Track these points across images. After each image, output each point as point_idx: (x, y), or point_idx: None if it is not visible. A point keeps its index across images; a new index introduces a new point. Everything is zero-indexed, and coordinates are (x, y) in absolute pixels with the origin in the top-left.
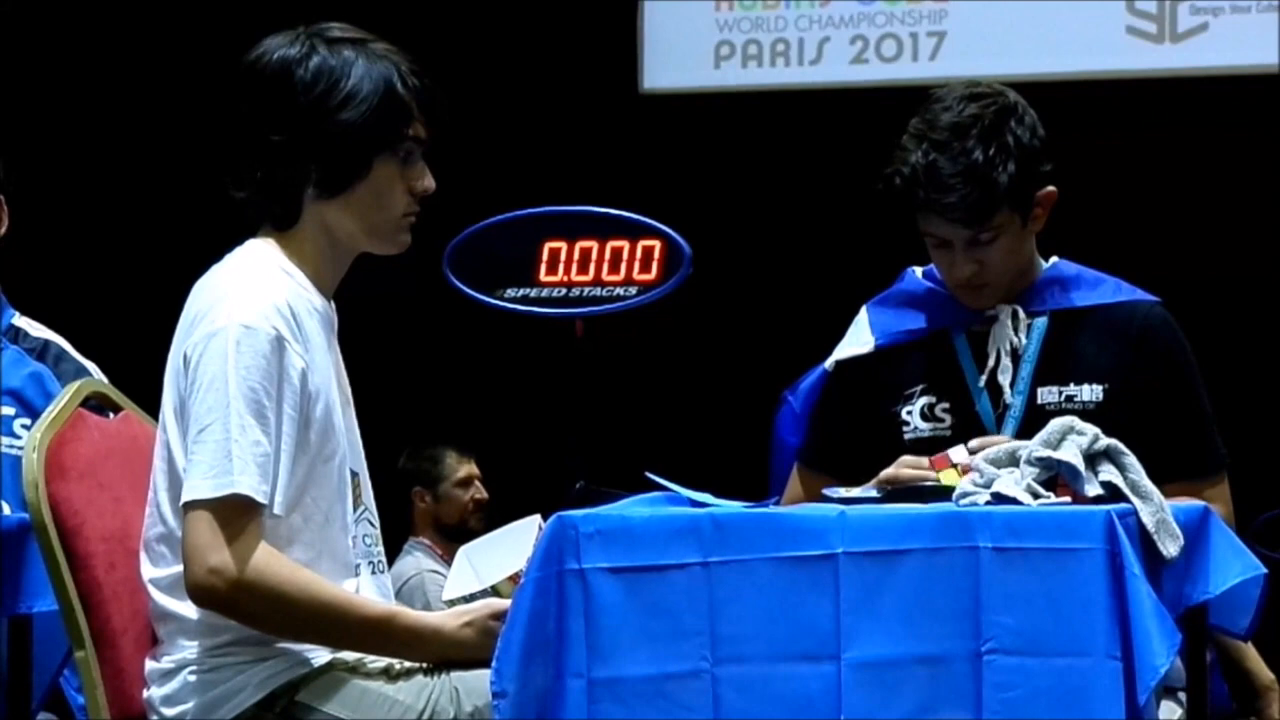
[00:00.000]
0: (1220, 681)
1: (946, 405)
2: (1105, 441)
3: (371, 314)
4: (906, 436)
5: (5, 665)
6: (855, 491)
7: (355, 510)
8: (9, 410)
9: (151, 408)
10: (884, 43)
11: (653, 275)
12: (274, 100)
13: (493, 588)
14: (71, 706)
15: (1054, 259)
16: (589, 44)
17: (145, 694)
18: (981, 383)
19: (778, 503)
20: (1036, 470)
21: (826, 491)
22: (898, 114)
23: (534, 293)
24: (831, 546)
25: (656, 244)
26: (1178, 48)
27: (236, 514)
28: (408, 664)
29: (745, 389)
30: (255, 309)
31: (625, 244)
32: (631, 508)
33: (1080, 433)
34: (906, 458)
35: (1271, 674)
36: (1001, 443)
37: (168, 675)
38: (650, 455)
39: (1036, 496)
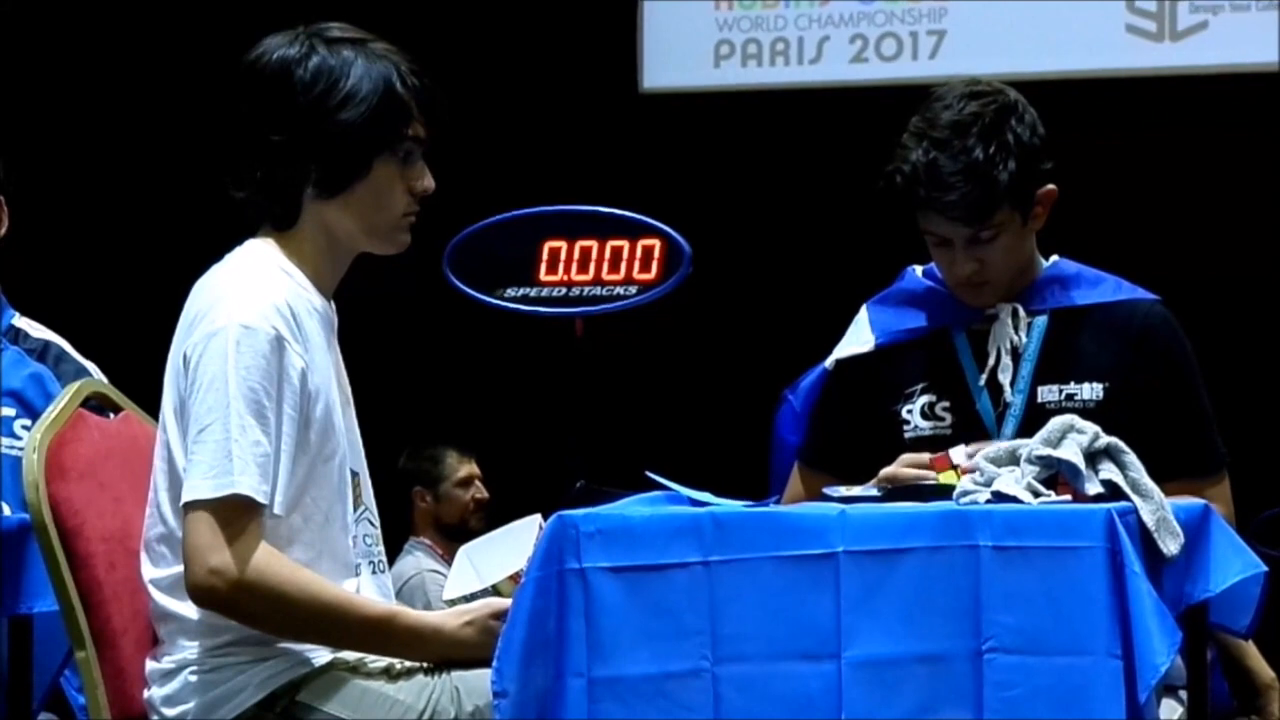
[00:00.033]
0: (1221, 680)
1: (947, 404)
2: (1105, 440)
3: (372, 314)
4: (907, 435)
5: (6, 665)
6: (855, 490)
7: (355, 510)
8: (9, 411)
9: (152, 408)
10: (884, 42)
11: (653, 275)
12: (273, 100)
13: (493, 587)
14: (72, 707)
15: (1054, 257)
16: (589, 43)
17: (146, 694)
18: (982, 381)
19: (778, 502)
20: (1037, 469)
21: (827, 490)
22: (897, 113)
23: (534, 292)
24: (832, 545)
25: (656, 243)
26: (1177, 46)
27: (237, 514)
28: (408, 664)
29: (745, 388)
30: (255, 309)
31: (625, 243)
32: (632, 507)
33: (1080, 431)
34: (907, 456)
35: (1272, 672)
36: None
37: (168, 675)
38: (650, 454)
39: (1037, 495)
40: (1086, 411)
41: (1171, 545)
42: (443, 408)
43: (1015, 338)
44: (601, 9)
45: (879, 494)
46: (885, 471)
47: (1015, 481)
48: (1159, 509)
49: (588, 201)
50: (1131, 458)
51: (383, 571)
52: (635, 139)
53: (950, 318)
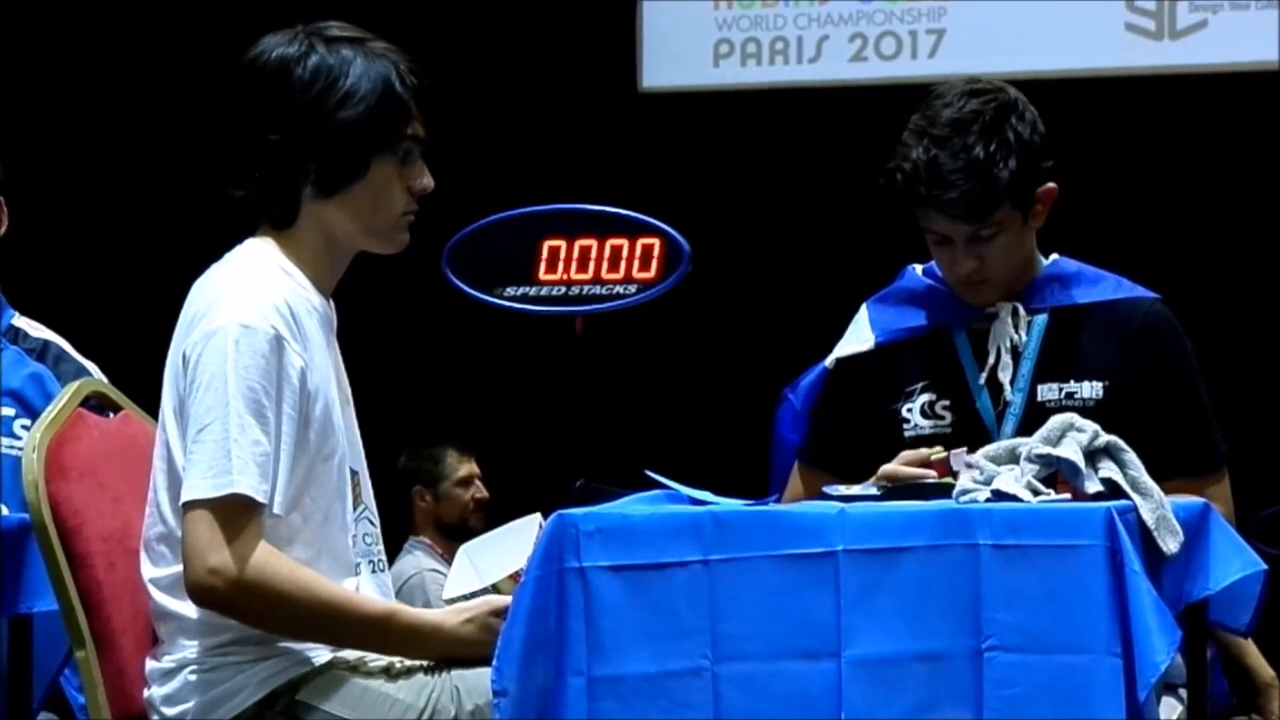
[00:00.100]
0: (1220, 678)
1: (947, 403)
2: (1105, 438)
3: (371, 313)
4: (907, 434)
5: (6, 665)
6: (855, 489)
7: (355, 509)
8: (9, 411)
9: (151, 407)
10: (883, 40)
11: (652, 273)
12: (272, 99)
13: (493, 586)
14: (72, 706)
15: (1054, 256)
16: (588, 43)
17: (146, 693)
18: (982, 380)
19: (778, 500)
20: (1036, 467)
21: (826, 489)
22: (897, 112)
23: (533, 291)
24: (832, 544)
25: (656, 242)
26: (1177, 45)
27: (236, 513)
28: (408, 663)
29: (745, 387)
30: (254, 308)
31: (624, 242)
32: (631, 506)
33: (1080, 429)
34: (906, 454)
35: (1272, 671)
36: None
37: (168, 675)
38: (650, 453)
39: (1036, 493)
40: (1086, 410)
41: (1171, 544)
42: (442, 407)
43: (1015, 336)
44: (601, 8)
45: (878, 493)
46: (885, 469)
47: (1015, 480)
48: (1159, 507)
49: (587, 200)
50: (1131, 456)
51: (382, 571)
52: (634, 138)
53: (950, 316)
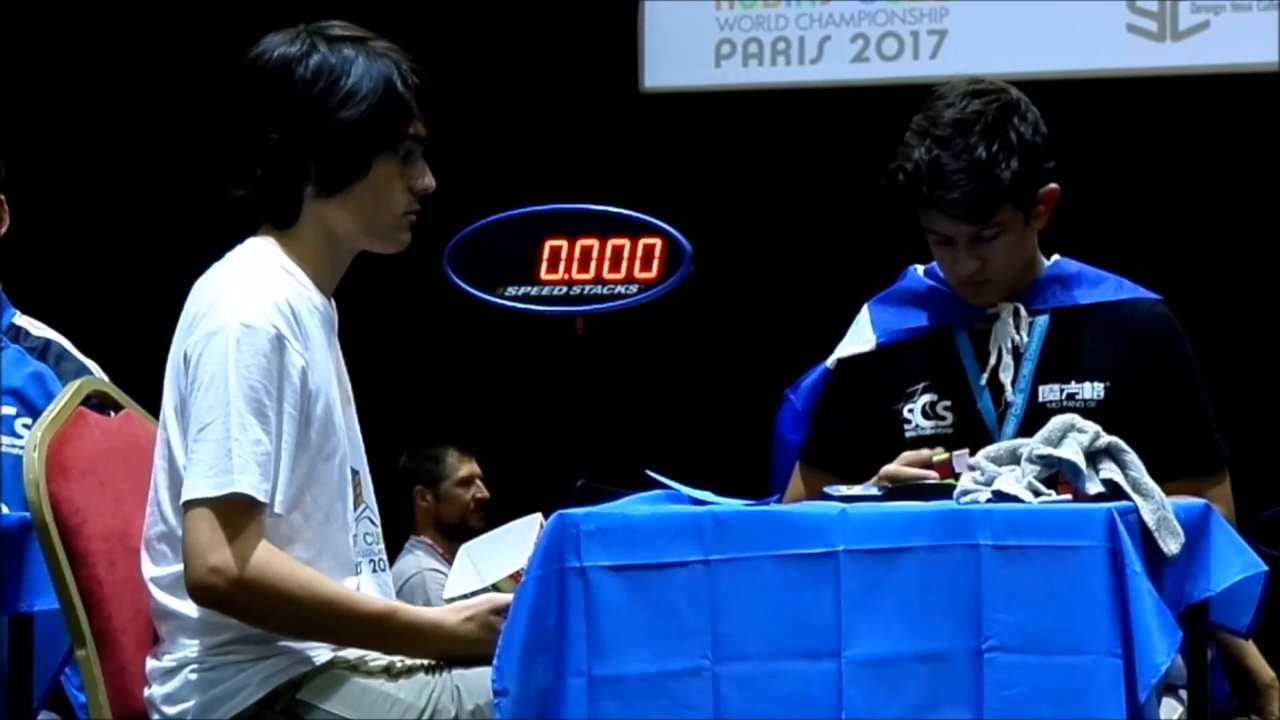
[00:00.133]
0: (1221, 679)
1: (948, 403)
2: (1106, 439)
3: (372, 312)
4: (908, 434)
5: (6, 664)
6: (856, 489)
7: (356, 509)
8: (10, 410)
9: (152, 406)
10: (885, 41)
11: (654, 273)
12: (274, 98)
13: (494, 586)
14: (73, 705)
15: (1056, 257)
16: (590, 43)
17: (146, 692)
18: (983, 381)
19: (779, 501)
20: (1037, 468)
21: (827, 489)
22: (898, 113)
23: (535, 291)
24: (832, 544)
25: (657, 242)
26: (1178, 46)
27: (237, 513)
28: (409, 662)
29: (746, 387)
30: (255, 308)
31: (626, 242)
32: (632, 506)
33: (1081, 430)
34: (907, 454)
35: (1272, 672)
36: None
37: (169, 674)
38: (651, 453)
39: (1037, 494)
40: (1087, 411)
41: (1172, 544)
42: (443, 407)
43: (1016, 337)
44: (602, 8)
45: (879, 493)
46: (886, 470)
47: (1016, 480)
48: (1159, 508)
49: (589, 200)
50: (1132, 457)
51: (383, 570)
52: (636, 138)
53: (952, 317)
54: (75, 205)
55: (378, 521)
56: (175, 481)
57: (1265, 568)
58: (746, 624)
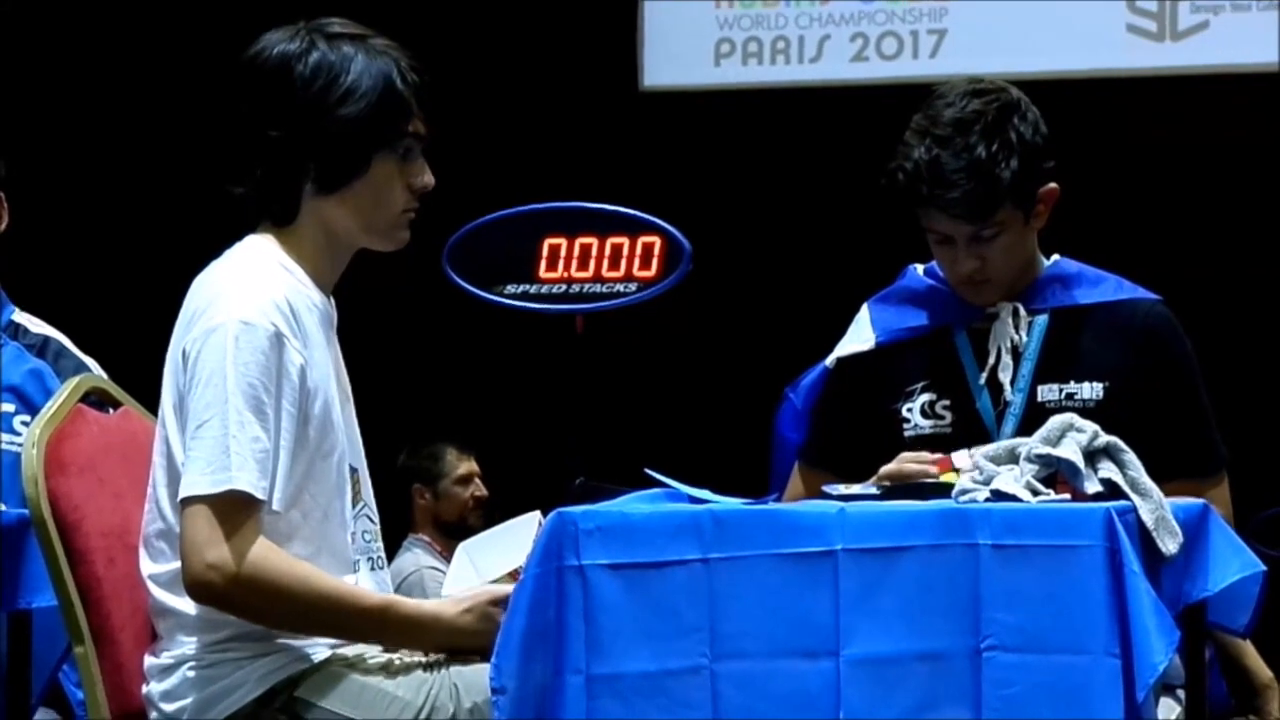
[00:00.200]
0: (1219, 679)
1: (947, 403)
2: (1105, 439)
3: (371, 310)
4: (907, 434)
5: (5, 661)
6: (855, 488)
7: (354, 506)
8: (9, 407)
9: (151, 403)
10: (884, 40)
11: (653, 272)
12: (273, 96)
13: (492, 584)
14: (71, 702)
15: (1055, 257)
16: (589, 41)
17: (144, 689)
18: (982, 380)
19: (778, 499)
20: (1036, 467)
21: (826, 488)
22: (898, 112)
23: (534, 289)
24: (831, 543)
25: (656, 240)
26: (1178, 46)
27: (234, 510)
28: (407, 659)
29: (746, 386)
30: (254, 305)
31: (625, 240)
32: (631, 504)
33: (1080, 430)
34: (906, 454)
35: (1270, 672)
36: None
37: (167, 671)
38: (650, 452)
39: (1036, 494)
40: (1086, 411)
41: (1170, 544)
42: (442, 405)
43: (1016, 336)
44: (602, 7)
45: (878, 492)
46: (885, 469)
47: (1014, 480)
48: (1158, 508)
49: (588, 199)
50: (1131, 457)
51: (381, 568)
52: (635, 137)
53: (951, 316)
54: (75, 203)
55: (376, 519)
56: (174, 478)
57: (1263, 568)
58: (745, 623)
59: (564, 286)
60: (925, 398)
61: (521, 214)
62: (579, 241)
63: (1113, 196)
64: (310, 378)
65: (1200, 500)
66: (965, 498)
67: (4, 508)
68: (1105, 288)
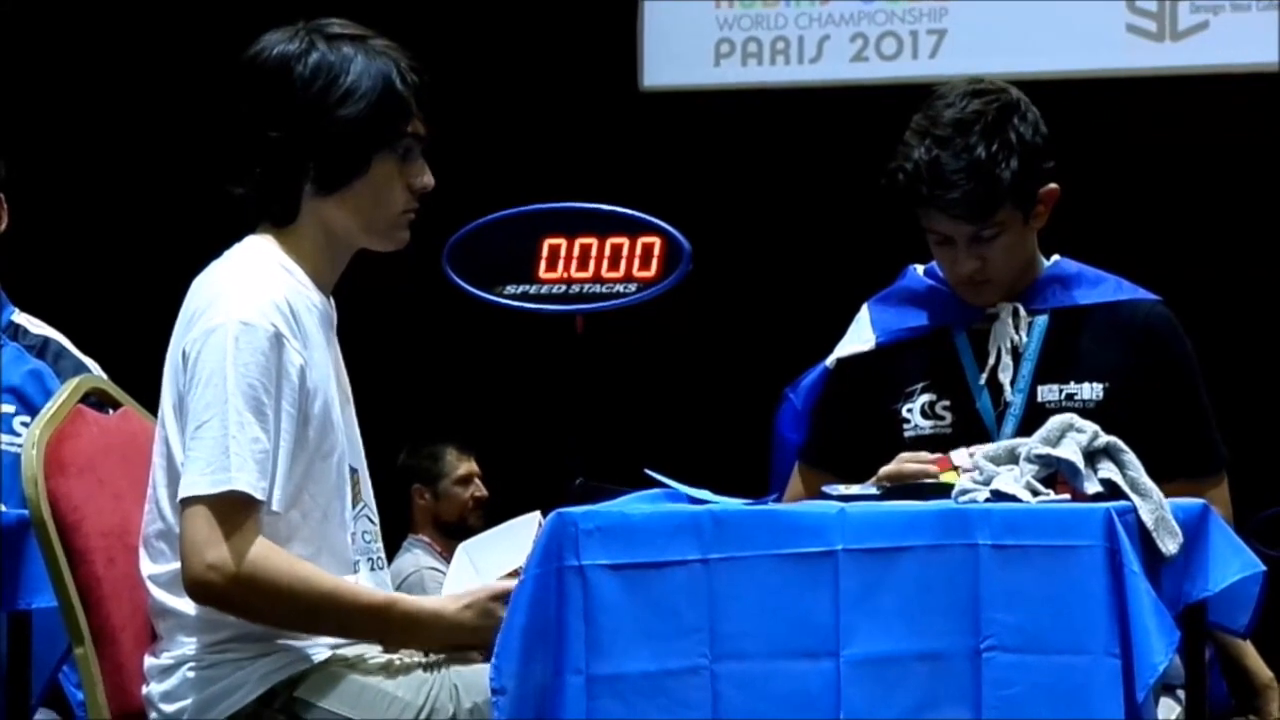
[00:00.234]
0: (1219, 679)
1: (947, 403)
2: (1105, 439)
3: (371, 311)
4: (907, 434)
5: (4, 661)
6: (855, 489)
7: (354, 507)
8: (9, 407)
9: (151, 404)
10: (884, 41)
11: (652, 272)
12: (273, 96)
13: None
14: (71, 703)
15: (1055, 257)
16: (589, 41)
17: (144, 690)
18: (982, 380)
19: (778, 500)
20: (1036, 467)
21: (826, 489)
22: (898, 112)
23: (534, 289)
24: (831, 543)
25: (656, 241)
26: (1178, 46)
27: (234, 510)
28: (407, 660)
29: (746, 386)
30: (254, 306)
31: (625, 241)
32: (631, 504)
33: (1080, 430)
34: (906, 454)
35: (1270, 672)
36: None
37: (167, 671)
38: (650, 452)
39: (1036, 494)
40: (1086, 411)
41: (1170, 544)
42: (442, 405)
43: (1016, 337)
44: (602, 8)
45: (878, 492)
46: (885, 470)
47: (1014, 480)
48: (1158, 508)
49: (588, 199)
50: (1131, 457)
51: (381, 568)
52: (635, 137)
53: (951, 317)
54: (74, 203)
55: (376, 520)
56: (174, 479)
57: (1263, 568)
58: (745, 623)
59: (564, 287)
60: (925, 398)
61: (521, 214)
62: (579, 242)
63: (1113, 197)
64: (310, 378)
65: (1200, 500)
66: (965, 498)
67: (4, 508)
68: (1105, 288)
